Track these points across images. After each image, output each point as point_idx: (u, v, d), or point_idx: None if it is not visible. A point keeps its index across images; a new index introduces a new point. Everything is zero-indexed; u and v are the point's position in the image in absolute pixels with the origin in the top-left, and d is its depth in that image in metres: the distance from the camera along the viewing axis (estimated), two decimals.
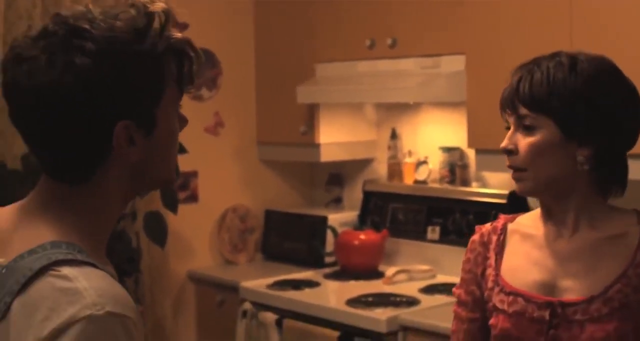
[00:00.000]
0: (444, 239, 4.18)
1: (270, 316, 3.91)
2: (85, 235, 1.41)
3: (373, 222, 4.49)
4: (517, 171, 1.96)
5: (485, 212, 4.01)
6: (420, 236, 4.28)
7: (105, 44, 1.37)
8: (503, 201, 3.94)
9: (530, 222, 2.07)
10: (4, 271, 1.34)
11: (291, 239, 4.66)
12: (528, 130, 1.94)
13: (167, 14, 1.43)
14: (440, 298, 3.80)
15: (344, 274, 4.29)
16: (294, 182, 4.94)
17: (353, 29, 4.17)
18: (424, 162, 4.35)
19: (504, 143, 1.97)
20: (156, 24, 1.41)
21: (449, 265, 4.14)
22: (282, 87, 4.53)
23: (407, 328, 3.53)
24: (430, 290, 3.93)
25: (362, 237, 4.31)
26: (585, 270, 1.96)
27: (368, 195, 4.58)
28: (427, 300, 3.77)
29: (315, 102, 4.35)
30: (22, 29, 3.79)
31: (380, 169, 4.64)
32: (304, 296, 3.98)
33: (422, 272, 4.15)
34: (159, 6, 1.43)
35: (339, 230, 4.45)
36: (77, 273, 1.31)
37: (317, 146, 4.43)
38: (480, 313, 2.06)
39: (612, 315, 1.91)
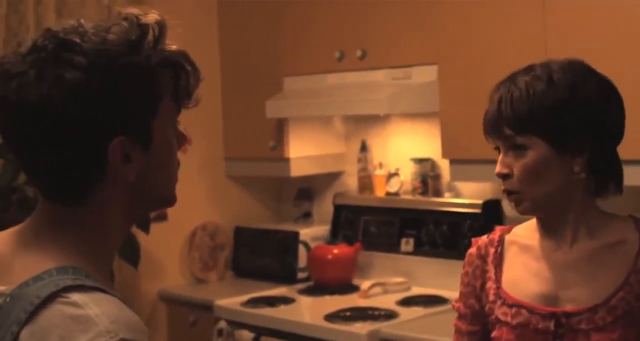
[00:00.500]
0: (418, 251, 4.16)
1: (247, 335, 3.86)
2: (90, 259, 1.36)
3: (345, 235, 4.45)
4: (514, 194, 1.94)
5: (459, 222, 4.00)
6: (394, 248, 4.25)
7: (96, 57, 1.31)
8: (477, 211, 3.93)
9: (527, 232, 2.05)
10: (8, 299, 1.29)
11: (262, 255, 4.60)
12: (518, 150, 1.91)
13: (161, 25, 1.38)
14: (418, 311, 3.77)
15: (318, 289, 4.24)
16: (262, 198, 4.90)
17: (322, 42, 4.14)
18: (396, 174, 4.33)
19: (498, 169, 1.95)
20: (150, 36, 1.36)
21: (423, 276, 4.13)
22: (249, 101, 4.49)
23: None
24: (407, 302, 3.90)
25: (336, 251, 4.28)
26: (587, 279, 1.95)
27: (339, 209, 4.54)
28: (405, 313, 3.73)
29: (284, 117, 4.30)
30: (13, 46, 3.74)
31: (350, 182, 4.61)
32: (280, 313, 3.93)
33: (397, 285, 4.12)
34: (152, 18, 1.38)
35: (311, 244, 4.41)
36: (87, 300, 1.26)
37: (286, 160, 4.39)
38: (480, 326, 2.05)
39: (616, 323, 1.90)
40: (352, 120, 4.56)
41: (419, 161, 4.20)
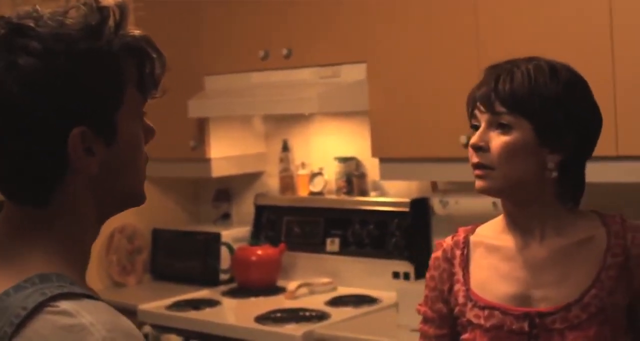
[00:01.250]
0: (344, 250, 4.14)
1: (174, 339, 3.78)
2: (68, 264, 1.26)
3: (267, 236, 4.40)
4: (484, 169, 1.92)
5: (386, 221, 4.00)
6: (319, 248, 4.22)
7: (53, 42, 1.22)
8: (405, 209, 3.94)
9: (493, 232, 2.04)
10: None
11: (182, 258, 4.52)
12: (503, 129, 1.91)
13: (123, 9, 1.28)
14: (348, 311, 3.75)
15: (242, 291, 4.18)
16: (179, 199, 4.80)
17: (245, 40, 4.07)
18: (319, 173, 4.30)
19: (474, 139, 1.92)
20: (110, 21, 1.26)
21: (349, 276, 4.11)
22: (169, 100, 4.36)
23: None
24: (335, 302, 3.88)
25: (259, 252, 4.22)
26: (558, 278, 1.95)
27: (260, 209, 4.49)
28: (336, 313, 3.71)
29: (207, 116, 4.22)
30: None
31: (271, 182, 4.56)
32: (208, 315, 3.86)
33: (323, 285, 4.09)
34: (112, 0, 1.28)
35: (233, 246, 4.34)
36: (77, 308, 1.16)
37: (207, 161, 4.31)
38: (448, 330, 2.03)
39: (591, 320, 1.90)
40: (273, 119, 4.51)
41: (344, 160, 4.18)
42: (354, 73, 3.71)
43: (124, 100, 1.28)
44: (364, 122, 4.05)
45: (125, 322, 1.20)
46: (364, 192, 4.15)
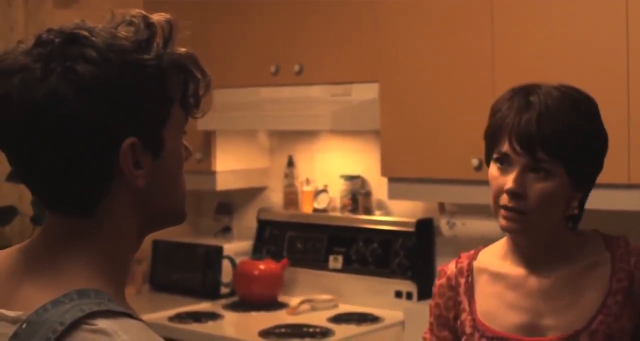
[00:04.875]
0: (347, 268, 4.15)
1: None
2: (109, 279, 1.25)
3: (269, 251, 4.40)
4: (517, 213, 1.89)
5: (391, 240, 4.01)
6: (321, 265, 4.23)
7: (108, 52, 1.22)
8: (409, 229, 3.95)
9: (496, 259, 2.03)
10: (24, 326, 1.17)
11: (182, 269, 4.51)
12: (540, 173, 1.88)
13: (171, 25, 1.30)
14: (352, 328, 3.76)
15: (243, 305, 4.18)
16: None
17: (256, 55, 4.09)
18: (324, 191, 4.31)
19: (513, 186, 1.87)
20: (159, 37, 1.28)
21: (351, 294, 4.12)
22: None
23: None
24: (338, 319, 3.88)
25: (262, 266, 4.22)
26: (565, 306, 1.95)
27: (263, 224, 4.49)
28: (339, 330, 3.71)
29: (216, 129, 4.23)
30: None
31: (274, 197, 4.56)
32: (210, 328, 3.85)
33: (325, 302, 4.09)
34: (161, 16, 1.30)
35: (235, 259, 4.34)
36: (115, 327, 1.15)
37: (212, 174, 4.32)
38: None
39: None
40: (278, 135, 4.52)
41: (349, 178, 4.19)
42: (366, 92, 3.73)
43: (171, 116, 1.29)
44: (370, 140, 4.08)
45: None
46: (368, 211, 4.16)
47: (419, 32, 3.50)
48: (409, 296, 3.92)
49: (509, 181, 1.89)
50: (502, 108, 1.94)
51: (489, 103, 3.26)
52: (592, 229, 2.04)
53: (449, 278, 2.04)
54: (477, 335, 1.96)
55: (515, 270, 1.98)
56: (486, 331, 1.95)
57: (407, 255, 3.95)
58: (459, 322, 2.00)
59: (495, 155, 1.94)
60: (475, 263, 2.03)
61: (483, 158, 3.18)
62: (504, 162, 1.91)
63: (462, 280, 2.02)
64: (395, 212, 4.11)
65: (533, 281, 1.96)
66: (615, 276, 1.94)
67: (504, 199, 1.90)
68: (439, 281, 2.06)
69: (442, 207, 3.81)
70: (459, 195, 3.47)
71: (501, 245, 2.04)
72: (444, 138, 3.43)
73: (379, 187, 4.06)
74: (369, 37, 3.69)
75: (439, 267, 2.12)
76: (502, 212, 1.91)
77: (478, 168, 3.31)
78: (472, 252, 2.08)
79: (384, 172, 3.67)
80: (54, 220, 1.28)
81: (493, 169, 1.94)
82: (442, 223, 3.76)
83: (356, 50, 3.76)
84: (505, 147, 1.90)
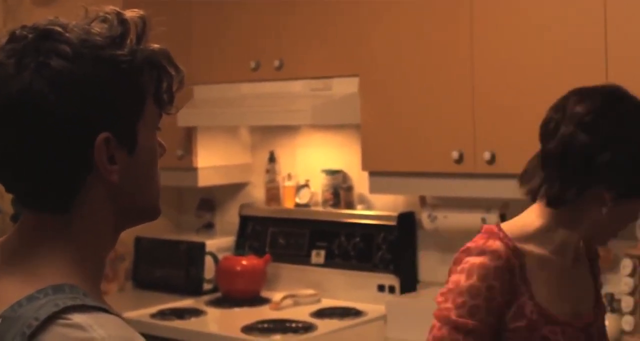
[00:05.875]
0: (330, 263, 4.15)
1: None
2: (84, 275, 1.25)
3: (252, 247, 4.40)
4: None
5: (372, 234, 4.02)
6: (304, 260, 4.23)
7: (81, 48, 1.23)
8: (391, 223, 3.96)
9: (535, 243, 2.00)
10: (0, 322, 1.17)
11: (164, 266, 4.51)
12: None
13: (145, 22, 1.30)
14: (334, 323, 3.76)
15: (226, 301, 4.18)
16: (162, 208, 4.75)
17: (236, 50, 4.08)
18: (305, 185, 4.31)
19: None
20: (132, 34, 1.28)
21: (333, 288, 4.12)
22: None
23: None
24: (321, 314, 3.88)
25: (244, 262, 4.22)
26: (587, 291, 2.10)
27: (245, 220, 4.49)
28: (322, 325, 3.71)
29: (197, 125, 4.22)
30: None
31: (256, 193, 4.56)
32: (193, 325, 3.85)
33: (308, 297, 4.10)
34: (134, 13, 1.30)
35: (218, 256, 4.34)
36: (90, 321, 1.15)
37: (194, 170, 4.31)
38: None
39: (604, 326, 2.12)
40: (259, 130, 4.52)
41: (331, 173, 4.20)
42: (346, 86, 3.73)
43: (145, 111, 1.29)
44: (351, 134, 4.08)
45: (138, 338, 1.20)
46: (350, 205, 4.17)
47: (399, 26, 3.51)
48: (392, 290, 3.92)
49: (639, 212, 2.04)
50: None
51: (468, 97, 3.32)
52: None
53: (506, 260, 1.93)
54: (542, 321, 1.95)
55: (556, 256, 2.01)
56: (551, 318, 1.96)
57: (389, 249, 3.95)
58: (514, 307, 1.94)
59: None
60: (518, 245, 1.97)
61: (464, 151, 3.27)
62: None
63: (516, 262, 1.95)
64: (377, 206, 4.11)
65: (572, 269, 2.05)
66: (594, 267, 2.16)
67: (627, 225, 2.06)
68: (494, 263, 1.92)
69: (423, 201, 3.82)
70: (440, 188, 3.48)
71: (531, 227, 2.01)
72: (424, 131, 3.44)
73: (360, 181, 4.06)
74: (349, 32, 3.69)
75: (476, 246, 1.96)
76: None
77: (458, 161, 3.32)
78: (495, 229, 1.99)
79: (364, 166, 3.67)
80: (29, 216, 1.28)
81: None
82: (424, 217, 3.76)
83: (336, 45, 3.76)
84: None
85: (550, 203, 1.98)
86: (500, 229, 2.00)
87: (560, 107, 1.98)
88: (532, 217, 2.02)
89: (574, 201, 1.95)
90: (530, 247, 1.99)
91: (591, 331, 2.04)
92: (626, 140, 1.92)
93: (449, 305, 1.94)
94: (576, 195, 1.94)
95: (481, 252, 1.94)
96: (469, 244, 1.98)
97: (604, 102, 1.96)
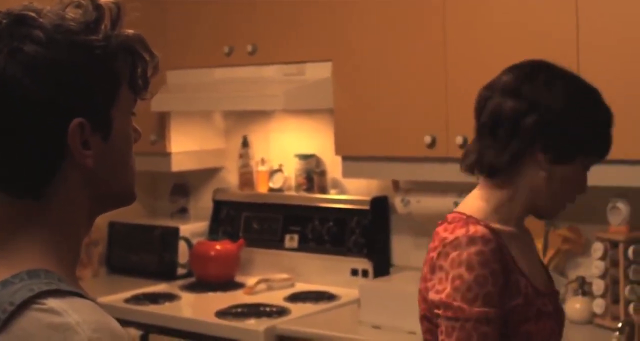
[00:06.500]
0: (303, 247, 4.17)
1: (133, 332, 3.76)
2: (59, 260, 1.26)
3: (225, 231, 4.41)
4: None
5: (346, 218, 4.04)
6: (277, 244, 4.25)
7: (55, 33, 1.24)
8: (365, 207, 3.98)
9: (496, 220, 2.02)
10: None
11: (138, 251, 4.51)
12: None
13: (119, 7, 1.31)
14: (308, 307, 3.78)
15: (200, 286, 4.19)
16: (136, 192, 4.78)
17: (209, 35, 4.08)
18: (279, 170, 4.32)
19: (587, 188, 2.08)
20: (106, 19, 1.29)
21: (307, 273, 4.14)
22: None
23: (284, 338, 3.49)
24: (294, 298, 3.90)
25: (218, 247, 4.23)
26: (540, 261, 2.18)
27: (219, 205, 4.50)
28: (296, 309, 3.73)
29: (170, 111, 4.22)
30: None
31: (230, 178, 4.57)
32: (167, 309, 3.86)
33: (282, 281, 4.11)
34: None
35: (192, 240, 4.35)
36: (65, 306, 1.16)
37: (167, 155, 4.31)
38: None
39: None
40: (233, 115, 4.52)
41: (304, 157, 4.21)
42: (319, 71, 3.73)
43: (119, 97, 1.30)
44: (324, 119, 4.09)
45: (112, 322, 1.21)
46: (323, 190, 4.18)
47: (372, 11, 3.51)
48: (365, 274, 3.95)
49: (585, 183, 2.07)
50: (609, 121, 2.05)
51: (441, 82, 3.33)
52: None
53: (496, 241, 1.93)
54: (534, 295, 1.98)
55: (515, 229, 2.05)
56: (539, 290, 2.00)
57: (362, 233, 3.98)
58: (510, 284, 1.94)
59: (593, 160, 2.05)
60: (492, 225, 1.99)
61: (436, 135, 3.29)
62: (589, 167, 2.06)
63: (501, 241, 1.96)
64: (350, 191, 4.13)
65: (530, 242, 2.14)
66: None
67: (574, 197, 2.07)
68: (488, 247, 1.90)
69: (396, 185, 3.84)
70: (412, 172, 3.51)
71: (485, 206, 2.03)
72: (396, 116, 3.46)
73: (333, 166, 4.07)
74: (322, 17, 3.69)
75: (464, 236, 1.92)
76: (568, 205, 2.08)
77: (431, 145, 3.34)
78: (465, 215, 2.01)
79: (337, 151, 3.69)
80: (4, 202, 1.28)
81: (583, 172, 2.04)
82: (397, 201, 3.78)
83: (309, 30, 3.76)
84: (605, 155, 2.05)
85: (487, 172, 2.01)
86: (468, 215, 2.01)
87: (490, 85, 2.06)
88: (483, 197, 2.05)
89: (509, 167, 1.98)
90: (497, 226, 2.01)
91: (558, 297, 2.14)
92: (552, 102, 1.96)
93: (460, 303, 1.88)
94: (510, 162, 1.97)
95: (471, 241, 1.91)
96: (448, 235, 1.95)
97: (530, 69, 2.03)
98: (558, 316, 2.06)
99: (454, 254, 1.91)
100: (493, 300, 1.89)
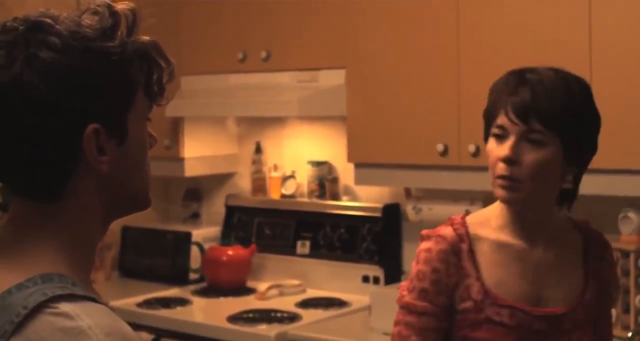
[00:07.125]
0: (315, 253, 4.18)
1: (145, 336, 3.79)
2: (74, 264, 1.27)
3: (238, 237, 4.43)
4: (512, 181, 1.96)
5: (358, 225, 4.05)
6: (289, 250, 4.26)
7: (71, 39, 1.25)
8: (376, 214, 3.99)
9: (492, 229, 2.05)
10: None
11: (151, 256, 4.53)
12: (536, 144, 1.95)
13: (135, 14, 1.33)
14: (319, 313, 3.79)
15: (212, 291, 4.20)
16: None
17: (223, 41, 4.10)
18: (292, 176, 4.34)
19: (508, 153, 1.95)
20: (123, 26, 1.31)
21: (318, 279, 4.16)
22: None
23: None
24: (305, 304, 3.91)
25: (230, 252, 4.25)
26: (561, 280, 2.06)
27: (231, 210, 4.51)
28: (307, 315, 3.74)
29: (184, 116, 4.24)
30: None
31: (242, 184, 4.59)
32: (179, 314, 3.88)
33: (293, 287, 4.13)
34: (125, 6, 1.33)
35: (204, 245, 4.37)
36: (77, 310, 1.18)
37: (180, 160, 4.33)
38: (447, 323, 2.01)
39: (589, 320, 2.05)
40: (246, 121, 4.54)
41: (317, 164, 4.22)
42: (333, 78, 3.75)
43: (135, 103, 1.32)
44: (337, 126, 4.10)
45: (124, 326, 1.22)
46: (336, 196, 4.20)
47: (386, 19, 3.53)
48: (376, 280, 3.96)
49: (504, 149, 1.96)
50: (498, 87, 2.04)
51: (453, 91, 3.34)
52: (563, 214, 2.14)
53: (451, 244, 1.99)
54: (487, 302, 1.98)
55: (517, 241, 2.03)
56: (498, 300, 1.98)
57: (374, 240, 3.99)
58: (461, 288, 1.99)
59: (493, 131, 2.01)
60: (471, 231, 2.02)
61: (449, 143, 3.30)
62: (501, 136, 1.98)
63: (465, 246, 2.00)
64: (362, 198, 4.14)
65: (537, 254, 2.04)
66: (589, 256, 2.10)
67: (500, 168, 1.97)
68: (437, 247, 2.00)
69: (408, 193, 3.85)
70: (424, 180, 3.52)
71: (492, 215, 2.06)
72: (409, 124, 3.47)
73: (346, 173, 4.09)
74: (336, 24, 3.71)
75: (431, 232, 2.04)
76: (498, 181, 1.98)
77: (443, 153, 3.35)
78: (459, 220, 2.05)
79: (350, 158, 3.70)
80: (20, 205, 1.30)
81: (491, 143, 2.01)
82: (409, 209, 3.80)
83: (323, 37, 3.78)
84: (501, 119, 1.98)
85: None
86: (462, 218, 2.06)
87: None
88: (495, 205, 2.08)
89: None
90: (485, 232, 2.03)
91: (562, 320, 2.02)
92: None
93: (404, 290, 2.05)
94: None
95: (427, 238, 2.04)
96: (422, 232, 2.07)
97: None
98: (524, 333, 1.99)
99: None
100: (428, 296, 2.00)
